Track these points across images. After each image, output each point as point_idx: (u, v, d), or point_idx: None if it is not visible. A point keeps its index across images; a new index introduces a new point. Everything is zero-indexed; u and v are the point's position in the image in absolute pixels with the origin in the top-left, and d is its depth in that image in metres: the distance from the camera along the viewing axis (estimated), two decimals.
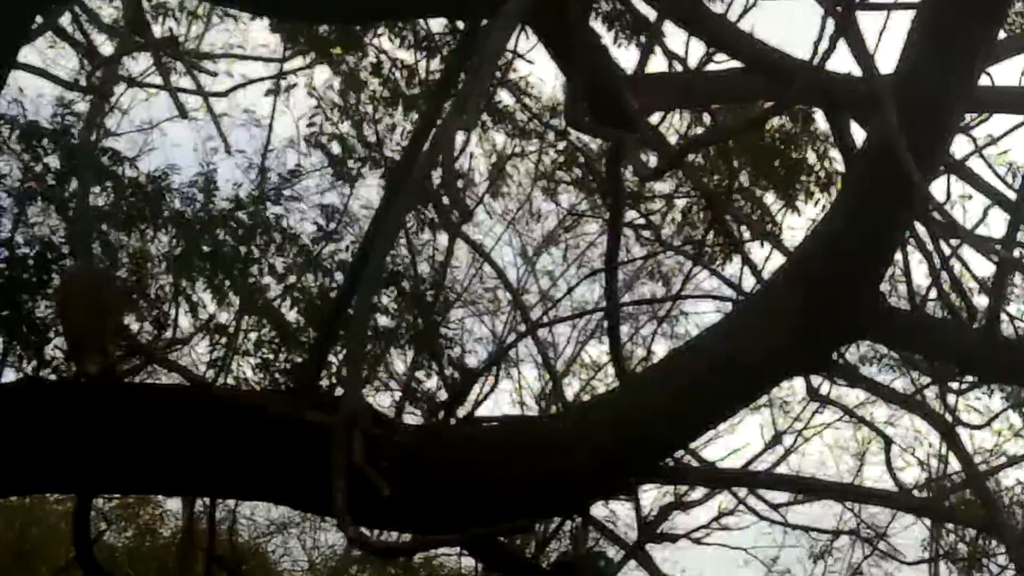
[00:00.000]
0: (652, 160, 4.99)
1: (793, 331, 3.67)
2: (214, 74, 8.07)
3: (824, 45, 3.70)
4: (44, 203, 7.52)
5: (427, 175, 2.72)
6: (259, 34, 9.87)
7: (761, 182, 9.49)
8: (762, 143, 8.77)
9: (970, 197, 8.68)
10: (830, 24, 3.79)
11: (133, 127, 11.65)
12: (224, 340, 8.48)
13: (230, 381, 8.46)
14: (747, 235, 7.15)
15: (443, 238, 10.59)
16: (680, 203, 10.27)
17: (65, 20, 7.19)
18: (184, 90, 6.95)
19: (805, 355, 3.82)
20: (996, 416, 11.10)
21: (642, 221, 10.18)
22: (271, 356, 8.17)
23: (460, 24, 7.02)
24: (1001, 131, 5.85)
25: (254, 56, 9.65)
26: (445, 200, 6.90)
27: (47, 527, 14.38)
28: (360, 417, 2.65)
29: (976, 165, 5.60)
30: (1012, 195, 5.51)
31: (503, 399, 15.06)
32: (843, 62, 3.91)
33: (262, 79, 9.26)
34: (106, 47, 7.85)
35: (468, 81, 2.74)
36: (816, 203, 9.61)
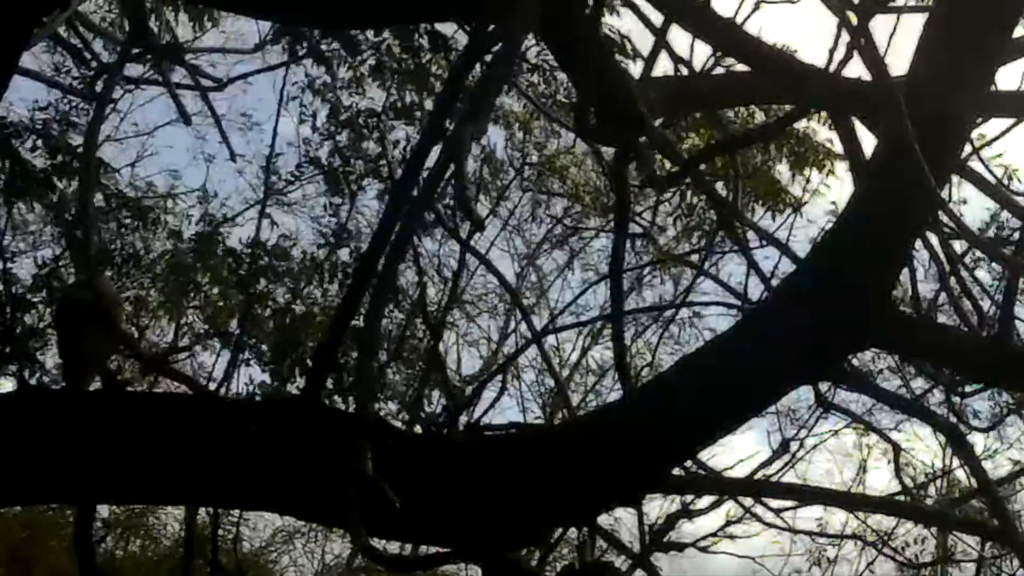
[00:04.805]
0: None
1: (802, 340, 3.63)
2: (218, 79, 8.03)
3: (836, 49, 3.69)
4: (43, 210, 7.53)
5: (437, 184, 2.68)
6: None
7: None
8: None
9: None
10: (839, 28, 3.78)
11: (129, 131, 11.69)
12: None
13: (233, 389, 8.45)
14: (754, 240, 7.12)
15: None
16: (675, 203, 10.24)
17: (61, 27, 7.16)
18: (183, 86, 6.89)
19: (815, 364, 3.78)
20: (1002, 420, 11.09)
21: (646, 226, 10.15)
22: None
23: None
24: (995, 133, 5.78)
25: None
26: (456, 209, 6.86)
27: (48, 536, 14.33)
28: (369, 427, 2.60)
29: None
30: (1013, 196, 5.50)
31: (506, 403, 15.02)
32: (854, 65, 3.89)
33: (258, 72, 9.23)
34: (99, 49, 7.83)
35: (479, 87, 2.69)
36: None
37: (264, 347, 8.50)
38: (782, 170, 9.69)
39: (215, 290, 8.94)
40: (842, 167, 9.21)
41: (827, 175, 9.37)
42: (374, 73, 7.60)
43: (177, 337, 10.33)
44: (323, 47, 7.56)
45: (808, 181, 9.71)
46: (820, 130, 9.06)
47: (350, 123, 8.45)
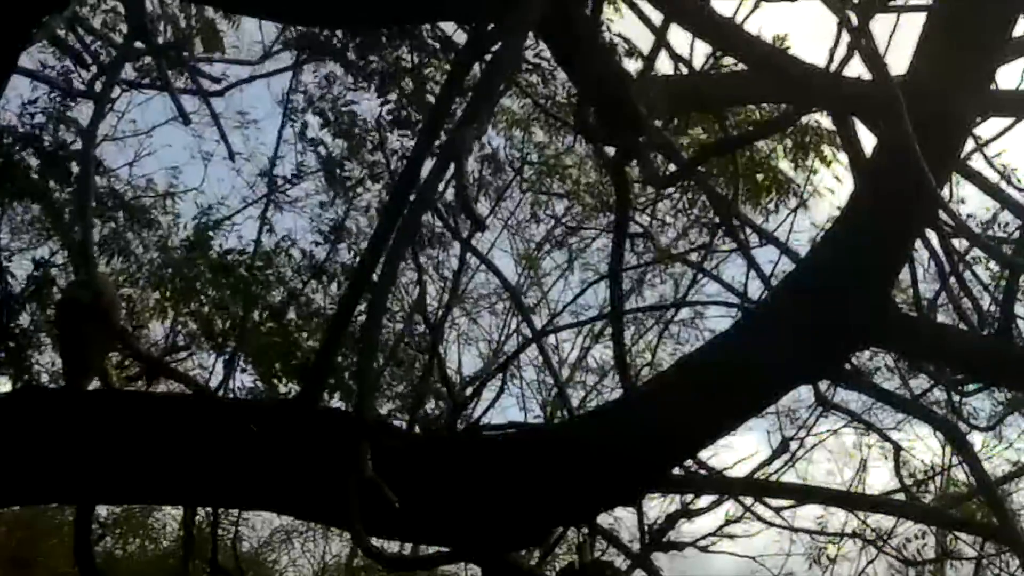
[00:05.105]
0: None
1: (802, 339, 3.62)
2: (218, 80, 8.03)
3: (836, 48, 3.69)
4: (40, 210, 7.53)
5: (436, 186, 2.68)
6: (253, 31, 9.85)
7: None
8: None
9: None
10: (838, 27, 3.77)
11: (127, 130, 11.69)
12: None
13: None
14: (754, 239, 7.10)
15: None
16: (676, 199, 10.24)
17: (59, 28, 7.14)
18: (184, 91, 6.89)
19: (815, 363, 3.78)
20: (1002, 419, 11.08)
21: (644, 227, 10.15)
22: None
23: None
24: (995, 132, 5.76)
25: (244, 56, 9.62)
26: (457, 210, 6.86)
27: (47, 535, 14.33)
28: (369, 427, 2.60)
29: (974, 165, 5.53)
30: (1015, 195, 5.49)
31: (507, 402, 15.00)
32: (854, 65, 3.88)
33: (258, 76, 9.26)
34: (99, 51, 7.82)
35: (479, 89, 2.69)
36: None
37: (256, 350, 8.49)
38: (784, 167, 9.68)
39: (211, 294, 8.92)
40: (843, 157, 9.16)
41: (828, 165, 9.34)
42: (381, 85, 7.57)
43: (175, 336, 10.32)
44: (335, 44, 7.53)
45: (811, 175, 9.67)
46: (823, 121, 9.03)
47: (348, 133, 8.44)
